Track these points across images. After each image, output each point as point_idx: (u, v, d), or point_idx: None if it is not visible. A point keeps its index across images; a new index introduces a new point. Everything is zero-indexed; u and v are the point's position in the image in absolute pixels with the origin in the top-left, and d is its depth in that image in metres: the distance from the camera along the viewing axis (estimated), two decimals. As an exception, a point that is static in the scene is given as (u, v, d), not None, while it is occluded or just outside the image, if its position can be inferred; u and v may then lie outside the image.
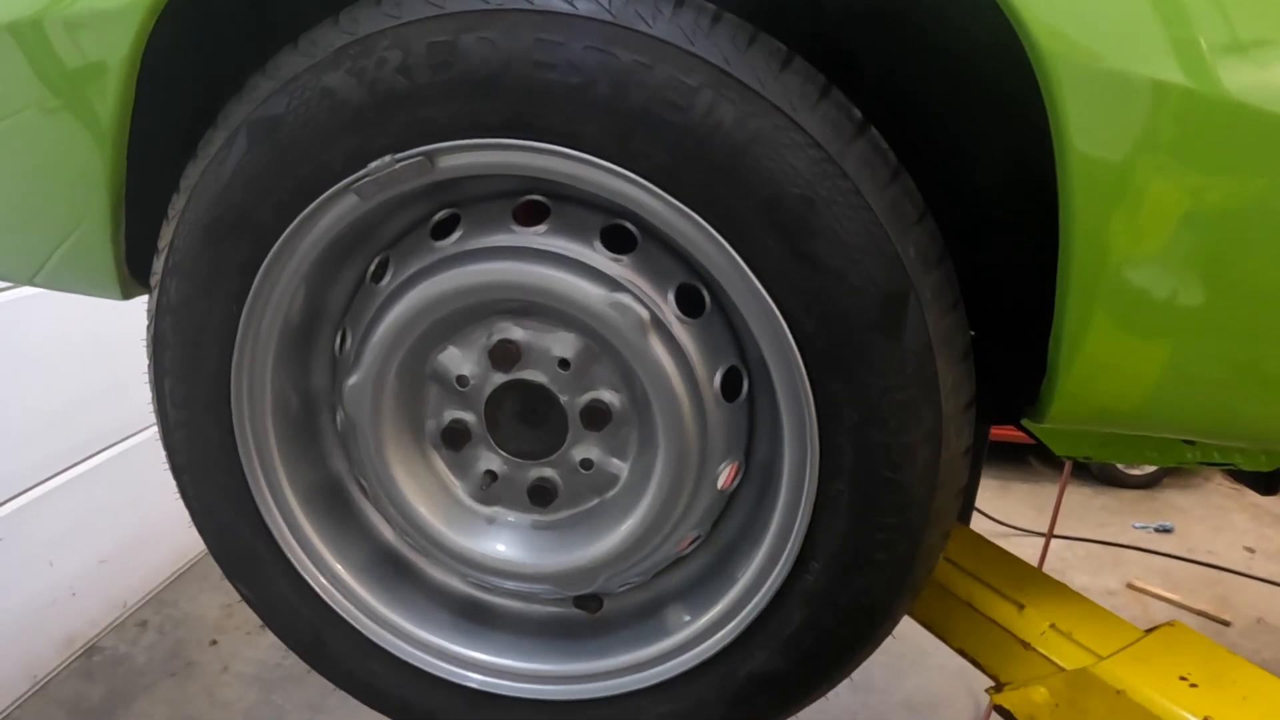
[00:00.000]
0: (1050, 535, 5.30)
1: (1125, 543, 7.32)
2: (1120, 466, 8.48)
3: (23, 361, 4.72)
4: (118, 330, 4.93)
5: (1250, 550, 7.54)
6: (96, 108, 1.55)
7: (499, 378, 1.60)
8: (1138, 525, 7.82)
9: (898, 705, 5.35)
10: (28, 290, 4.61)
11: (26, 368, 4.75)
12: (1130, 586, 6.58)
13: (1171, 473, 8.71)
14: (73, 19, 1.52)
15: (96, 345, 5.01)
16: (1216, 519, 8.12)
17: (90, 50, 1.52)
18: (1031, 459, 8.89)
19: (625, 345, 1.46)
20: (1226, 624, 6.25)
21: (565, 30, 1.27)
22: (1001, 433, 4.82)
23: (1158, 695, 1.56)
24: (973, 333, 1.48)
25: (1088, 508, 8.09)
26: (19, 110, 1.66)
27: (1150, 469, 8.57)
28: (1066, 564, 6.79)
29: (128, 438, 5.45)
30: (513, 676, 1.78)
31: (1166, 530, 7.77)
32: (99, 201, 1.64)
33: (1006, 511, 7.34)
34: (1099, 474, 8.54)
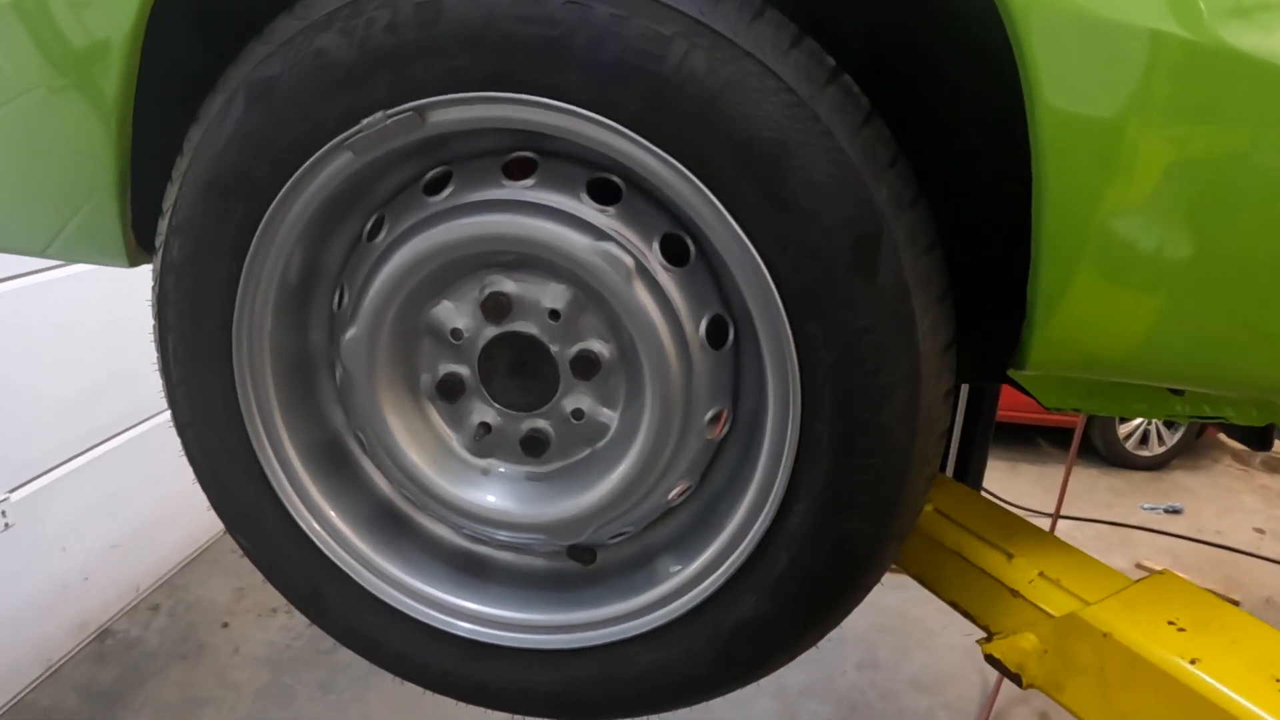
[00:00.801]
0: (1057, 515, 5.31)
1: (1134, 523, 7.34)
2: (1129, 447, 8.48)
3: (35, 348, 4.76)
4: (129, 316, 4.98)
5: (1260, 531, 7.56)
6: (101, 83, 1.58)
7: (491, 330, 1.63)
8: (1146, 506, 7.84)
9: (905, 683, 5.38)
10: (40, 277, 4.65)
11: (39, 354, 4.79)
12: (1139, 567, 6.61)
13: (1180, 453, 8.71)
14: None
15: (108, 332, 5.06)
16: (1226, 500, 8.14)
17: (94, 27, 1.56)
18: (1040, 440, 8.92)
19: (612, 293, 1.49)
20: (1235, 604, 6.25)
21: None
22: (1010, 413, 4.81)
23: (1145, 639, 1.56)
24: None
25: (1095, 488, 8.11)
26: (28, 89, 1.69)
27: (1159, 450, 8.58)
28: (1075, 544, 6.78)
29: (139, 423, 5.50)
30: (508, 627, 1.81)
31: (1175, 511, 7.79)
32: (106, 173, 1.67)
33: (1015, 492, 7.34)
34: (1108, 455, 8.56)
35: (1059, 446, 8.81)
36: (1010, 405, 3.40)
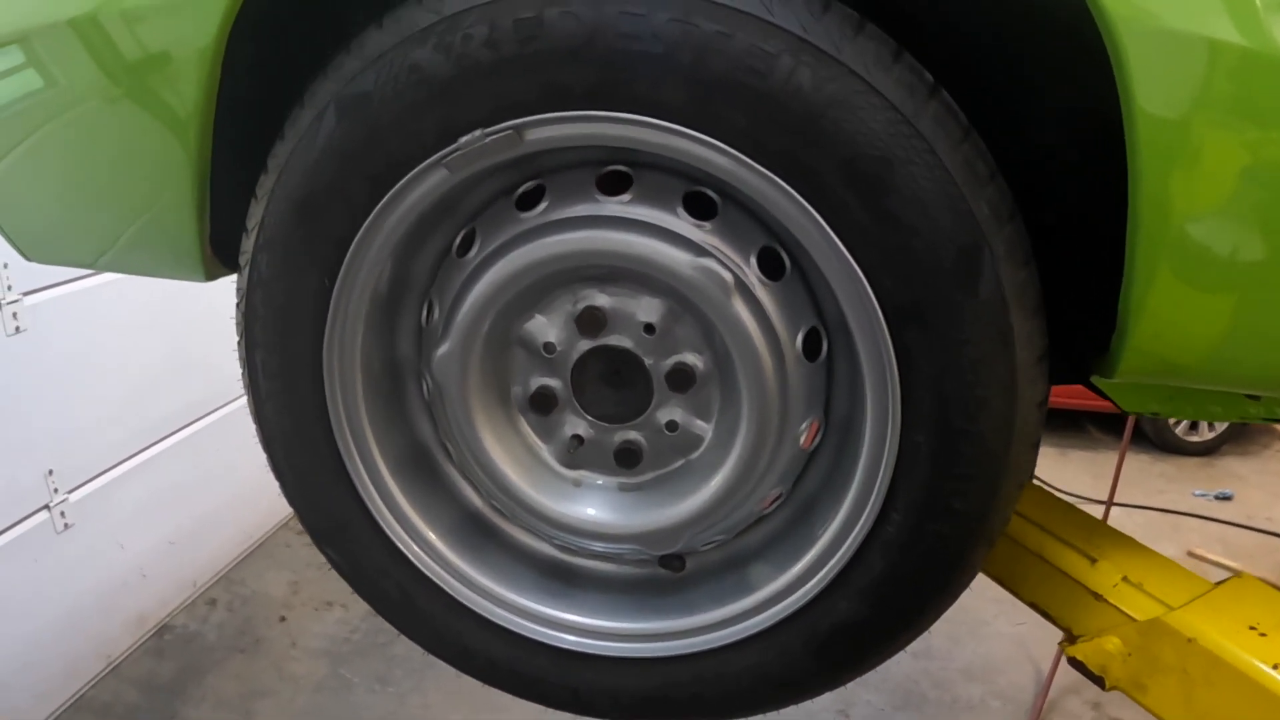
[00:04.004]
0: (1110, 503, 5.29)
1: (1185, 510, 7.28)
2: (1179, 433, 8.42)
3: (89, 350, 4.80)
4: (183, 317, 5.03)
5: (1312, 517, 7.48)
6: (182, 94, 1.57)
7: (585, 344, 1.65)
8: (1197, 493, 7.78)
9: (957, 672, 5.38)
10: (93, 281, 4.68)
11: (93, 356, 4.83)
12: (1190, 554, 6.56)
13: (1231, 440, 8.65)
14: (131, 12, 1.55)
15: (161, 331, 5.09)
16: (1276, 485, 8.06)
17: (175, 38, 1.54)
18: (1090, 426, 8.87)
19: (711, 307, 1.51)
20: (1287, 590, 6.21)
21: (647, 3, 1.30)
22: (1060, 400, 4.78)
23: (1228, 643, 1.58)
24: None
25: (1146, 475, 8.05)
26: (94, 100, 1.69)
27: (1209, 435, 8.51)
28: (1125, 531, 6.75)
29: (193, 421, 5.52)
30: (600, 635, 1.82)
31: (1226, 498, 7.72)
32: (182, 186, 1.67)
33: (1065, 479, 7.28)
34: (1158, 441, 8.49)
35: (1108, 432, 8.76)
36: (1059, 392, 3.38)
